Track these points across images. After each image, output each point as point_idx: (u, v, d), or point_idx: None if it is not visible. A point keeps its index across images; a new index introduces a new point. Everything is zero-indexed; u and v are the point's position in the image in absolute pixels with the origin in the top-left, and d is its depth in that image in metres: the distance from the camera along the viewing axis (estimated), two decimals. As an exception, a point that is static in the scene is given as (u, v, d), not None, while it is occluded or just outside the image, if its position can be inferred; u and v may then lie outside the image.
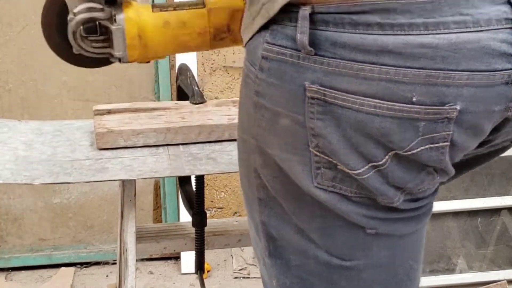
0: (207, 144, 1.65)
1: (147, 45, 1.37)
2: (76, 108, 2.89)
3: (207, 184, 3.04)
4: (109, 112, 1.67)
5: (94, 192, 2.94)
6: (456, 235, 2.82)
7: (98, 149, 1.62)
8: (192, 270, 1.98)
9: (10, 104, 2.86)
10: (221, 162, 1.56)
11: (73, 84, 2.87)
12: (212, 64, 3.01)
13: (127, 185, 1.63)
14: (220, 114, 1.67)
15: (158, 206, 2.99)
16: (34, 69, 2.85)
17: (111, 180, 1.51)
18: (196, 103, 1.71)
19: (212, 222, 1.92)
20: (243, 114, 1.06)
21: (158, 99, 2.89)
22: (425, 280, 2.77)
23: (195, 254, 1.90)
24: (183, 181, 1.92)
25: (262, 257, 1.11)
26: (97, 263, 2.96)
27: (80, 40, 1.40)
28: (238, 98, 1.78)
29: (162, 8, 1.39)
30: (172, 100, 2.82)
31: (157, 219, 2.99)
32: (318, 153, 0.97)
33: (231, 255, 2.99)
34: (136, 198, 1.68)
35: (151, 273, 2.91)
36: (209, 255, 2.93)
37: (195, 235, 1.85)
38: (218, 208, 3.11)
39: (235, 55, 3.02)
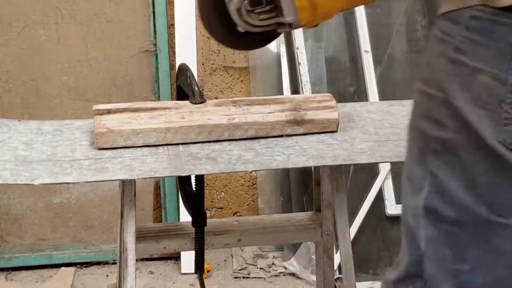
0: (207, 143, 1.65)
1: (316, 3, 1.34)
2: (76, 108, 2.89)
3: (207, 184, 3.04)
4: (109, 112, 1.67)
5: (94, 192, 2.94)
6: (456, 235, 2.82)
7: (98, 149, 1.62)
8: (192, 270, 1.98)
9: (10, 104, 2.86)
10: (220, 162, 1.56)
11: (73, 84, 2.87)
12: (212, 64, 3.01)
13: (127, 185, 1.63)
14: (220, 114, 1.67)
15: (158, 206, 2.99)
16: (34, 69, 2.85)
17: (111, 180, 1.51)
18: (196, 103, 1.71)
19: (212, 222, 1.92)
20: (431, 70, 1.12)
21: (158, 99, 2.89)
22: (425, 280, 2.76)
23: (195, 254, 1.89)
24: (183, 181, 1.92)
25: (416, 207, 1.14)
26: (97, 263, 2.96)
27: (246, 16, 1.37)
28: (238, 98, 1.79)
29: None
30: (172, 100, 2.82)
31: (157, 219, 2.99)
32: (511, 110, 1.03)
33: (231, 255, 2.99)
34: (136, 198, 1.68)
35: (151, 273, 2.91)
36: (209, 255, 2.93)
37: (195, 235, 1.85)
38: (218, 208, 3.11)
39: (235, 55, 3.02)
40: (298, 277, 2.86)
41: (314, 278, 2.62)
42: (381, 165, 2.81)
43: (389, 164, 2.80)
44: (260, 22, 1.37)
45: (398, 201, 2.82)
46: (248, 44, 1.47)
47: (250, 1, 1.35)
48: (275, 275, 2.88)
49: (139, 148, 1.63)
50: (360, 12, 2.94)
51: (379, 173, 2.82)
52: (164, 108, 1.68)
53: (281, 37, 2.99)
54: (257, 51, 3.00)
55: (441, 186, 1.10)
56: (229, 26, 1.38)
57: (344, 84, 2.93)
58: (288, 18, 1.35)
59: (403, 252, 1.19)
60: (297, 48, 2.88)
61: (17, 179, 1.48)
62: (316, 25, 1.40)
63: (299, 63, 2.87)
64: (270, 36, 1.43)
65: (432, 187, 1.11)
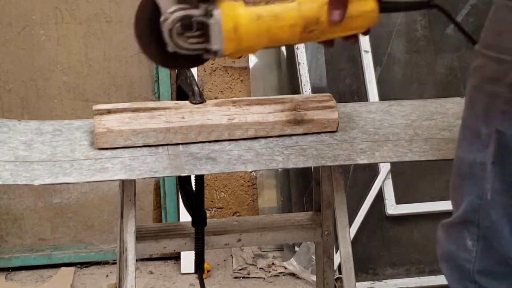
0: (207, 143, 1.66)
1: (242, 38, 1.43)
2: (76, 108, 2.89)
3: (207, 184, 3.04)
4: (109, 111, 1.67)
5: (94, 192, 2.94)
6: (456, 235, 2.82)
7: (98, 149, 1.62)
8: (192, 270, 1.98)
9: (10, 104, 2.86)
10: (220, 162, 1.56)
11: (73, 84, 2.87)
12: (212, 64, 3.01)
13: (127, 185, 1.63)
14: (219, 114, 1.67)
15: (158, 206, 2.99)
16: (34, 69, 2.85)
17: (111, 180, 1.51)
18: (195, 103, 1.71)
19: (212, 222, 1.92)
20: (506, 37, 1.19)
21: (158, 99, 2.89)
22: (425, 280, 2.77)
23: (195, 254, 1.90)
24: (183, 181, 1.92)
25: (484, 163, 1.23)
26: (97, 263, 2.96)
27: (176, 37, 1.44)
28: (238, 98, 1.79)
29: (254, 2, 1.46)
30: (172, 100, 2.82)
31: (157, 219, 2.99)
32: None
33: (231, 255, 2.99)
34: (136, 198, 1.68)
35: (151, 273, 2.91)
36: (209, 255, 2.93)
37: (195, 235, 1.85)
38: (218, 208, 3.11)
39: (235, 55, 3.02)
40: (298, 277, 2.86)
41: (314, 278, 2.62)
42: (381, 165, 2.81)
43: (389, 164, 2.80)
44: (188, 45, 1.45)
45: (398, 201, 2.82)
46: (176, 64, 1.53)
47: (182, 25, 1.43)
48: (275, 275, 2.88)
49: (139, 148, 1.63)
50: (360, 12, 2.94)
51: (379, 173, 2.82)
52: (164, 108, 1.68)
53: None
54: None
55: (509, 143, 1.19)
56: (161, 44, 1.46)
57: (344, 84, 2.93)
58: (214, 46, 1.43)
59: (458, 200, 1.31)
60: (297, 48, 2.89)
61: (17, 180, 1.48)
62: (240, 57, 1.50)
63: (299, 63, 2.87)
64: (197, 60, 1.50)
65: (499, 145, 1.20)
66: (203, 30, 1.44)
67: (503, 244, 1.24)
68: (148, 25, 1.47)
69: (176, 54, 1.47)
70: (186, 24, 1.43)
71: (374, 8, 1.50)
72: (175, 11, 1.44)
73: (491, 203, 1.23)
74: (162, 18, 1.44)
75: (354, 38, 1.53)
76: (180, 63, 1.51)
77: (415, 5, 1.63)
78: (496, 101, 1.20)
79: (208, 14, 1.43)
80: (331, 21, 1.43)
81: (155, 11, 1.46)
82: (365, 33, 1.52)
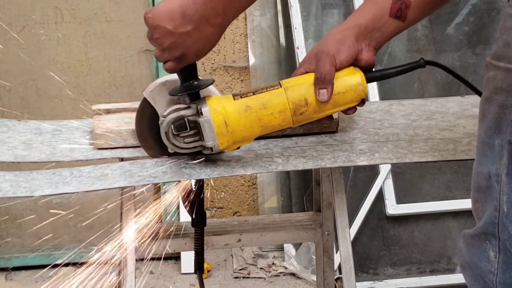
0: (206, 144, 1.65)
1: (234, 130, 1.47)
2: (76, 108, 2.89)
3: (207, 184, 3.04)
4: (108, 111, 1.67)
5: (94, 192, 2.94)
6: (457, 235, 2.82)
7: (97, 149, 1.61)
8: (192, 270, 1.98)
9: (10, 104, 2.86)
10: (220, 165, 1.55)
11: (73, 84, 2.87)
12: (212, 63, 3.01)
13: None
14: (219, 114, 1.67)
15: (158, 206, 2.98)
16: (34, 69, 2.85)
17: (111, 188, 1.52)
18: (195, 103, 1.70)
19: (212, 222, 1.92)
20: (510, 46, 1.18)
21: (158, 98, 2.89)
22: (425, 280, 2.77)
23: (195, 254, 1.89)
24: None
25: (499, 174, 1.22)
26: (97, 263, 2.96)
27: (173, 139, 1.50)
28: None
29: (242, 95, 1.49)
30: (172, 99, 2.82)
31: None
32: None
33: (231, 255, 2.99)
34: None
35: (151, 273, 2.91)
36: (209, 255, 2.93)
37: (195, 235, 1.85)
38: (218, 208, 3.11)
39: (235, 54, 3.02)
40: (298, 277, 2.86)
41: (314, 278, 2.62)
42: (381, 165, 2.81)
43: (389, 164, 2.80)
44: (185, 145, 1.50)
45: (398, 201, 2.81)
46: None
47: (176, 126, 1.48)
48: (275, 275, 2.88)
49: (138, 148, 1.62)
50: (361, 11, 2.94)
51: (379, 173, 2.82)
52: (164, 108, 1.67)
53: (282, 36, 2.99)
54: (258, 50, 3.00)
55: None
56: (164, 147, 1.52)
57: (345, 83, 2.93)
58: (208, 143, 1.47)
59: (479, 212, 1.28)
60: (297, 48, 2.88)
61: (17, 192, 1.47)
62: (238, 148, 1.52)
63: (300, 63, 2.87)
64: (198, 153, 1.54)
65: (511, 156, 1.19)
66: (197, 128, 1.48)
67: None
68: (148, 127, 1.53)
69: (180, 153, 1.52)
70: (180, 124, 1.48)
71: (360, 81, 1.53)
72: (169, 113, 1.49)
73: (508, 215, 1.21)
74: (159, 121, 1.50)
75: (353, 109, 1.55)
76: (182, 155, 1.54)
77: (405, 68, 1.64)
78: (506, 112, 1.19)
79: (199, 112, 1.46)
80: (319, 101, 1.48)
81: (153, 113, 1.52)
82: (360, 104, 1.55)
